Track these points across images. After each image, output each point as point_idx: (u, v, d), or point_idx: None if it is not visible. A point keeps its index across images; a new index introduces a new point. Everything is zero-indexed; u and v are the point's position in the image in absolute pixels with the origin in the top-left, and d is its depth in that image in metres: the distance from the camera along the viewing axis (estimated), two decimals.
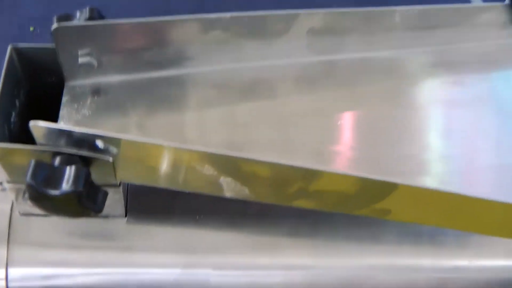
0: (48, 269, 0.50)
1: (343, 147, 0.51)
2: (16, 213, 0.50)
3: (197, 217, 0.52)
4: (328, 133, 0.52)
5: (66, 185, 0.40)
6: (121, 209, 0.50)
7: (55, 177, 0.40)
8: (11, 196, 0.48)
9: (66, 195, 0.40)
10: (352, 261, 0.54)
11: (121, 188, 0.48)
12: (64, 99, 0.51)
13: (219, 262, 0.52)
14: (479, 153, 0.52)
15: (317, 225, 0.54)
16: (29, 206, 0.47)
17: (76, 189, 0.40)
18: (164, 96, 0.53)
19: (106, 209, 0.47)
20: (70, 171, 0.40)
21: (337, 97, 0.55)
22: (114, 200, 0.48)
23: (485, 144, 0.53)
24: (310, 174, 0.43)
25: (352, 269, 0.54)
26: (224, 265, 0.52)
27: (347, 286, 0.54)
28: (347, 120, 0.53)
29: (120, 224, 0.51)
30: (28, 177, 0.40)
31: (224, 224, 0.53)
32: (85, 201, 0.41)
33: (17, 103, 0.50)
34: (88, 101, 0.51)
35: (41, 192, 0.40)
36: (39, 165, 0.40)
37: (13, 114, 0.49)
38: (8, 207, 0.50)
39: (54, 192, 0.40)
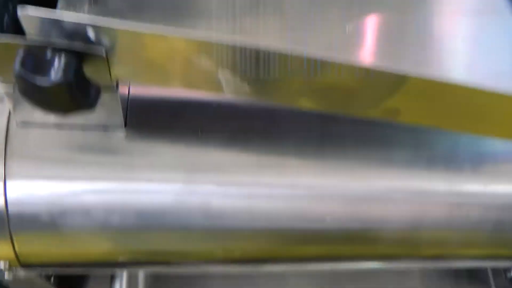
0: (46, 183, 0.49)
1: (355, 54, 0.48)
2: (13, 126, 0.49)
3: (200, 133, 0.51)
4: (341, 41, 0.49)
5: (55, 74, 0.38)
6: (119, 119, 0.48)
7: (44, 67, 0.38)
8: (7, 102, 0.47)
9: (56, 86, 0.38)
10: (361, 182, 0.52)
11: (118, 94, 0.46)
12: (60, 5, 0.48)
13: (222, 180, 0.50)
14: (499, 61, 0.49)
15: (325, 143, 0.52)
16: (25, 113, 0.45)
17: (66, 79, 0.38)
18: (166, 5, 0.50)
19: (104, 117, 0.45)
20: (59, 61, 0.38)
21: (350, 7, 0.52)
22: (112, 107, 0.46)
23: (507, 53, 0.50)
24: (315, 65, 0.40)
25: (360, 190, 0.52)
26: (226, 183, 0.50)
27: (355, 208, 0.52)
28: (360, 28, 0.50)
29: (120, 139, 0.49)
30: (17, 66, 0.38)
31: (227, 141, 0.51)
32: (77, 93, 0.39)
33: (10, 7, 0.48)
34: (85, 8, 0.49)
35: (31, 82, 0.38)
36: (28, 55, 0.38)
37: (6, 17, 0.47)
38: (4, 120, 0.49)
39: (44, 82, 0.38)
